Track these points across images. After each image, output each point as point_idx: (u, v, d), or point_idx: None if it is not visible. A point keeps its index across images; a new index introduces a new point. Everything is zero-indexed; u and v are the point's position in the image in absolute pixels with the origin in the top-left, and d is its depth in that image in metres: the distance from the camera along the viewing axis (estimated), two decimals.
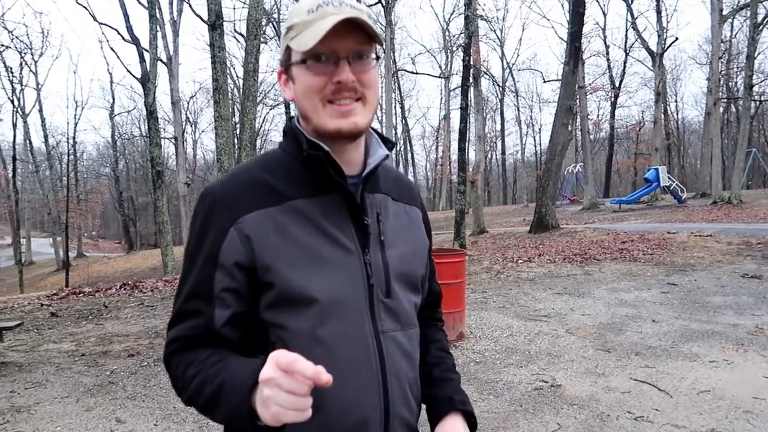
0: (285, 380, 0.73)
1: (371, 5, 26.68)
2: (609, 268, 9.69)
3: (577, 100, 22.12)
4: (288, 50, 0.95)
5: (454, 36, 33.42)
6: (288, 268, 0.90)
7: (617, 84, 37.72)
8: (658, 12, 27.36)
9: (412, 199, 1.14)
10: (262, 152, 1.15)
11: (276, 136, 49.54)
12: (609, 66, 37.66)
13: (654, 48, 27.44)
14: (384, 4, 26.53)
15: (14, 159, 26.16)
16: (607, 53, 36.78)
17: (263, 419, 0.78)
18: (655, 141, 27.24)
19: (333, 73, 0.90)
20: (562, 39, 29.32)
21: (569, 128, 16.48)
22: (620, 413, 3.72)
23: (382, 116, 41.61)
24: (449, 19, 39.82)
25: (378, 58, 0.95)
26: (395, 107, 43.27)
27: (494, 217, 27.59)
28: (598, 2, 36.71)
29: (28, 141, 35.42)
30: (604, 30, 35.13)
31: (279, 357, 0.74)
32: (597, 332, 5.75)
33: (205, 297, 0.92)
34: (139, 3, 16.76)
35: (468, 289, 8.22)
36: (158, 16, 16.07)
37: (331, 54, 0.90)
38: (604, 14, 43.52)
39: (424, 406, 1.11)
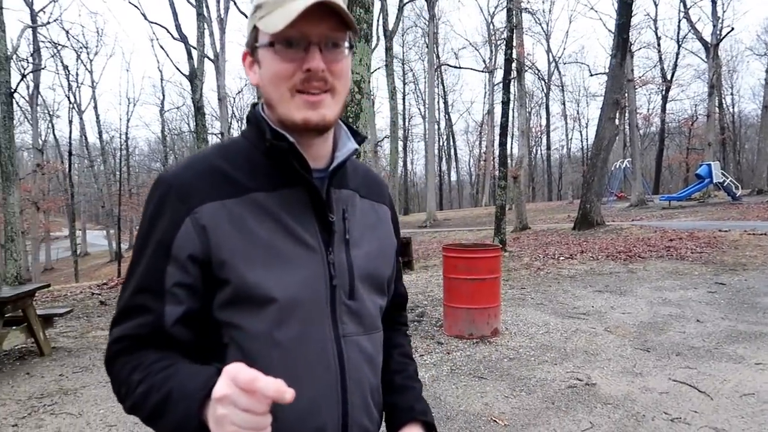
0: (242, 399, 0.66)
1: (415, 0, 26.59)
2: (654, 266, 9.41)
3: (625, 94, 21.49)
4: (255, 30, 0.88)
5: (498, 29, 32.94)
6: (245, 265, 0.83)
7: (669, 77, 36.40)
8: (713, 1, 26.28)
9: (381, 197, 1.07)
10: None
11: None
12: (660, 58, 36.42)
13: (708, 39, 26.38)
14: None
15: (70, 154, 27.30)
16: (659, 45, 35.56)
17: None
18: (709, 136, 26.21)
19: (303, 60, 0.83)
20: (610, 31, 28.50)
21: (616, 123, 16.05)
22: (656, 414, 3.63)
23: (424, 111, 41.52)
24: (493, 12, 39.18)
25: (352, 47, 0.89)
26: (438, 102, 43.09)
27: (538, 213, 27.13)
28: None
29: (83, 137, 36.93)
30: (655, 21, 33.96)
31: (237, 374, 0.66)
32: (637, 331, 5.60)
33: (155, 292, 0.84)
34: (188, 1, 17.18)
35: (506, 286, 8.16)
36: (206, 14, 16.48)
37: (301, 39, 0.83)
38: (655, 4, 41.89)
39: None
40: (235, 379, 0.66)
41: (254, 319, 0.84)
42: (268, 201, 0.87)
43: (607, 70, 19.46)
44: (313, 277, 0.88)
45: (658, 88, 36.84)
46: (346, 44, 0.87)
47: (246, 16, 0.82)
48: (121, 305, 0.87)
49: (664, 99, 37.60)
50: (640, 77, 30.89)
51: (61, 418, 3.83)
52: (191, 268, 0.84)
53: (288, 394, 0.65)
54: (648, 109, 40.20)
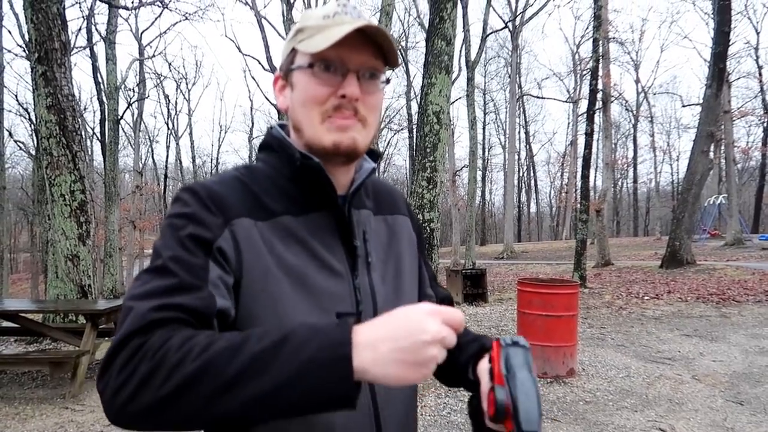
0: (453, 338, 0.64)
1: (498, 30, 26.64)
2: (750, 311, 8.70)
3: (722, 126, 20.29)
4: (292, 53, 0.87)
5: (583, 59, 32.26)
6: (274, 291, 0.79)
7: None
8: None
9: (394, 207, 1.03)
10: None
11: (398, 160, 50.61)
12: (761, 88, 34.10)
13: None
14: (511, 29, 26.34)
15: (165, 177, 29.24)
16: (760, 74, 33.37)
17: (389, 379, 0.62)
18: None
19: (339, 86, 0.82)
20: (706, 60, 27.18)
21: (710, 156, 15.16)
22: None
23: (505, 141, 41.05)
24: (579, 42, 38.45)
25: (388, 81, 0.88)
26: (519, 132, 42.50)
27: (622, 249, 25.91)
28: (750, 20, 33.62)
29: (179, 161, 39.44)
30: (756, 49, 32.02)
31: (449, 314, 0.65)
32: (729, 381, 5.19)
33: (199, 276, 0.73)
34: (279, 35, 18.16)
35: (584, 324, 7.82)
36: None
37: (340, 64, 0.82)
38: (757, 32, 39.32)
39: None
40: (449, 321, 0.65)
41: None
42: (296, 225, 0.85)
43: (701, 101, 18.50)
44: (341, 305, 0.85)
45: (759, 120, 34.50)
46: (383, 77, 0.87)
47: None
48: (158, 283, 0.71)
49: (766, 131, 35.11)
50: (738, 108, 29.11)
51: None
52: (229, 271, 0.77)
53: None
54: (747, 143, 37.70)
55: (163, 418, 0.61)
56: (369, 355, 0.62)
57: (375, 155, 0.97)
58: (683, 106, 43.37)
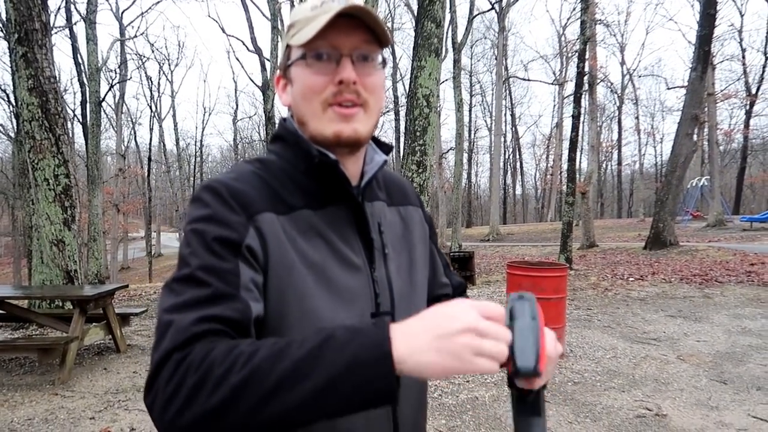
0: (491, 329, 0.65)
1: (485, 11, 26.48)
2: (733, 291, 8.87)
3: (705, 109, 20.47)
4: (288, 50, 0.88)
5: (569, 41, 32.23)
6: (299, 285, 0.79)
7: (754, 90, 34.37)
8: None
9: (406, 198, 1.04)
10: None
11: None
12: (745, 71, 34.43)
13: None
14: (497, 11, 26.19)
15: (149, 159, 28.84)
16: (743, 57, 33.65)
17: (428, 368, 0.63)
18: None
19: (335, 72, 0.82)
20: (690, 43, 27.31)
21: (694, 138, 15.30)
22: None
23: (491, 123, 41.07)
24: (566, 23, 38.38)
25: (384, 62, 0.87)
26: (505, 114, 42.56)
27: (606, 230, 26.21)
28: (735, 2, 33.85)
29: (162, 143, 39.01)
30: (740, 32, 32.19)
31: (485, 307, 0.67)
32: (713, 361, 5.30)
33: (230, 282, 0.72)
34: (263, 15, 17.86)
35: (571, 306, 7.92)
36: (280, 27, 17.04)
37: (333, 51, 0.82)
38: (741, 15, 39.62)
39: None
40: (486, 312, 0.66)
41: None
42: (315, 219, 0.85)
43: (685, 84, 18.61)
44: (361, 298, 0.86)
45: (742, 103, 34.83)
46: (379, 58, 0.86)
47: None
48: (190, 295, 0.71)
49: (748, 114, 35.48)
50: (722, 91, 29.36)
51: (134, 414, 4.03)
52: (259, 270, 0.77)
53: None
54: (730, 125, 38.14)
55: (213, 427, 0.62)
56: (406, 348, 0.63)
57: (386, 147, 0.97)
58: (668, 88, 43.54)
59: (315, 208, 0.86)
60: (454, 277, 1.15)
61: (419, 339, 0.64)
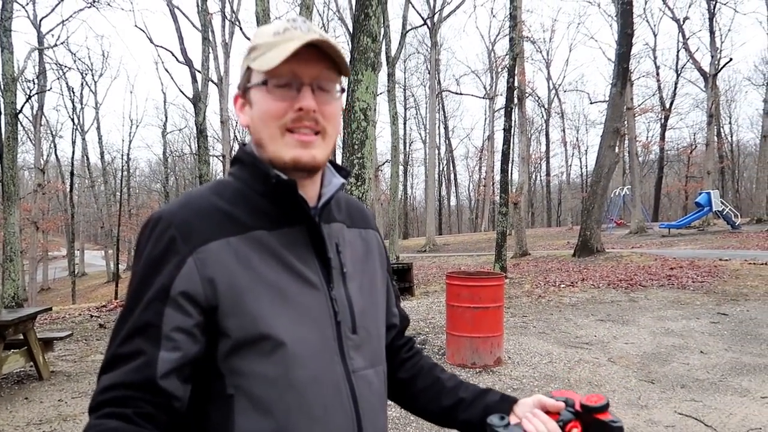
0: None
1: (418, 27, 27.01)
2: (656, 295, 9.38)
3: (625, 122, 21.67)
4: (248, 72, 0.89)
5: (499, 57, 33.35)
6: (253, 308, 0.81)
7: (668, 105, 36.77)
8: (711, 32, 26.67)
9: (366, 222, 1.06)
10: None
11: None
12: (659, 87, 36.79)
13: (707, 69, 26.69)
14: (429, 26, 26.79)
15: (72, 174, 27.38)
16: (657, 74, 35.96)
17: None
18: (708, 164, 26.36)
19: (295, 100, 0.84)
20: (610, 60, 28.83)
21: (616, 150, 16.17)
22: None
23: (425, 136, 41.75)
24: (495, 40, 39.70)
25: (343, 90, 0.90)
26: (439, 127, 43.38)
27: (537, 239, 27.14)
28: (648, 23, 36.29)
29: (85, 157, 37.12)
30: (654, 50, 34.44)
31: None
32: (641, 362, 5.57)
33: (150, 335, 0.77)
34: (193, 26, 17.46)
35: (507, 313, 8.12)
36: (211, 38, 16.73)
37: (293, 79, 0.84)
38: (655, 35, 42.32)
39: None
40: None
41: (266, 364, 0.81)
42: (271, 240, 0.86)
43: (606, 98, 19.66)
44: (320, 316, 0.87)
45: (657, 117, 37.19)
46: (338, 87, 0.89)
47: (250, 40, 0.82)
48: (110, 354, 0.79)
49: (663, 127, 37.92)
50: (639, 105, 31.24)
51: None
52: (193, 312, 0.79)
53: None
54: (647, 137, 40.56)
55: None
56: None
57: (344, 172, 0.99)
58: (591, 102, 45.78)
59: (270, 228, 0.87)
60: (401, 309, 1.17)
61: None
